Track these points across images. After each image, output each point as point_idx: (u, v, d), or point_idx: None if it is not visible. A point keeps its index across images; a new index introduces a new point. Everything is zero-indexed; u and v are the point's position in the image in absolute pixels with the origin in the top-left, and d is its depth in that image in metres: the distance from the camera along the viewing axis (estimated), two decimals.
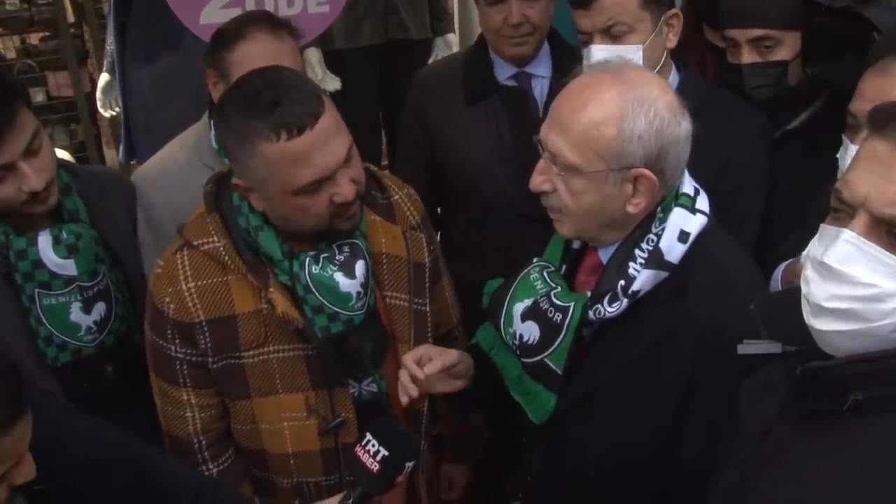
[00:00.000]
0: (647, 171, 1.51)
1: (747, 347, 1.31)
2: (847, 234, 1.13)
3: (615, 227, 1.60)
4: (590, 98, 1.52)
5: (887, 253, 1.12)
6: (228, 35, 2.07)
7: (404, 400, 1.75)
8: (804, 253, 1.22)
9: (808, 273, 1.18)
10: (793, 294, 1.25)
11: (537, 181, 1.60)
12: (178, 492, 1.65)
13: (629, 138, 1.49)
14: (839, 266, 1.13)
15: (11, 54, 4.92)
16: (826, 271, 1.14)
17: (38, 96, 4.78)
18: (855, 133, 1.82)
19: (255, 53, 1.99)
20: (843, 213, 1.17)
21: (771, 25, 2.12)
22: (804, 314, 1.19)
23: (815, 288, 1.16)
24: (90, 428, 1.68)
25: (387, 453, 1.50)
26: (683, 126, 1.53)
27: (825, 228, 1.19)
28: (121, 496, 1.62)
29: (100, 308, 1.99)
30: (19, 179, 1.81)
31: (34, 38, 5.03)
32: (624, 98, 1.49)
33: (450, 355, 1.78)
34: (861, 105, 1.79)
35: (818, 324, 1.17)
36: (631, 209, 1.55)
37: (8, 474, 1.27)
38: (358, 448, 1.53)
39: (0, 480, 1.26)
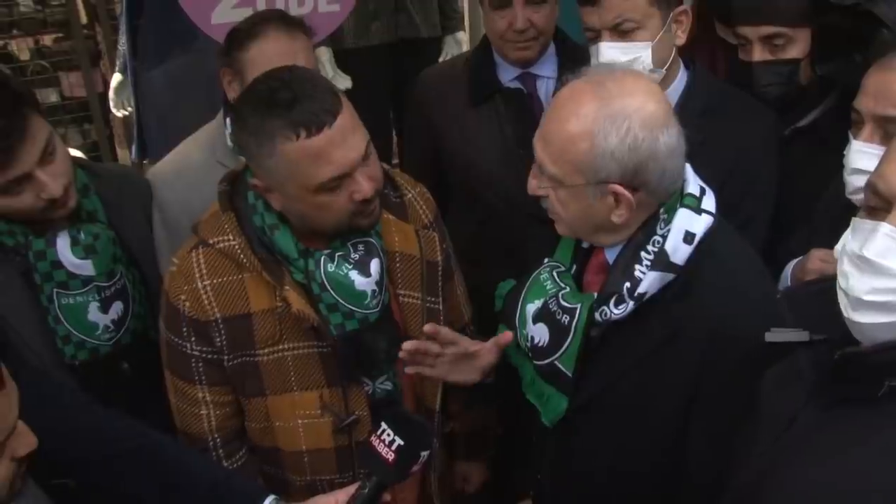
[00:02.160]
0: (620, 189, 1.51)
1: (775, 335, 1.33)
2: (886, 228, 1.15)
3: (607, 231, 1.60)
4: (570, 112, 1.52)
5: None
6: (243, 34, 2.08)
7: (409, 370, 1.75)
8: (837, 248, 1.22)
9: (846, 268, 1.19)
10: (820, 284, 1.26)
11: (532, 185, 1.62)
12: (194, 482, 1.65)
13: (602, 154, 1.49)
14: (879, 259, 1.14)
15: (25, 55, 4.94)
16: (865, 265, 1.15)
17: (52, 97, 4.81)
18: (859, 129, 1.81)
19: (269, 52, 2.00)
20: (878, 207, 1.17)
21: (783, 23, 2.11)
22: (841, 307, 1.20)
23: (854, 282, 1.17)
24: (107, 420, 1.69)
25: (402, 443, 1.48)
26: (662, 140, 1.50)
27: (858, 223, 1.20)
28: (138, 487, 1.64)
29: (117, 307, 2.00)
30: (37, 188, 1.81)
31: (47, 40, 5.05)
32: (598, 113, 1.49)
33: (472, 343, 1.77)
34: (865, 101, 1.79)
35: (857, 316, 1.18)
36: (616, 219, 1.55)
37: (5, 448, 1.29)
38: (373, 437, 1.51)
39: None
